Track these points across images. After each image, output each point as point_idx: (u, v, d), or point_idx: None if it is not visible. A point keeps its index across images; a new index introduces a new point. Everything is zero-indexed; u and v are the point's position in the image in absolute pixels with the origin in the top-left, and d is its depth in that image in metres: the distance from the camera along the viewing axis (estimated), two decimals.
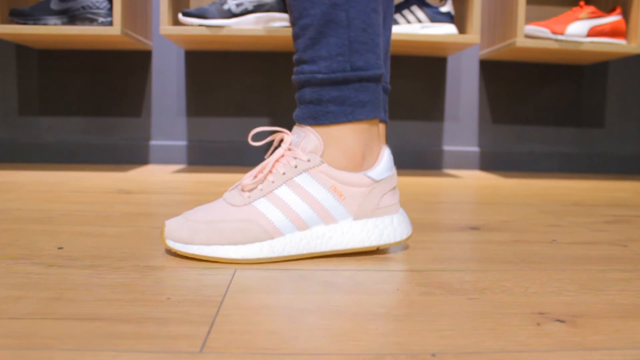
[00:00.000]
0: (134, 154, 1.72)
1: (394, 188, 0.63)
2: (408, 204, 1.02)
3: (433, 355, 0.37)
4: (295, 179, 0.59)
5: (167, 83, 1.72)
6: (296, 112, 0.62)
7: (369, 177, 0.60)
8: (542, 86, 1.79)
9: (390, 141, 1.76)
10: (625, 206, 1.06)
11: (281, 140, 0.65)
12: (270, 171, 0.60)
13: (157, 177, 1.38)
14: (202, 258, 0.58)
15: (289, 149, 0.60)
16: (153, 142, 1.72)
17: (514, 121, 1.79)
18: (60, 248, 0.62)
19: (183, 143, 1.72)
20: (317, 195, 0.59)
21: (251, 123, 1.73)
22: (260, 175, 0.59)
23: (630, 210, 1.01)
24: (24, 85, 1.70)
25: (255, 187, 0.59)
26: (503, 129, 1.79)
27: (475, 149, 1.78)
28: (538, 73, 1.79)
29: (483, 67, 1.77)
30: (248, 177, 0.60)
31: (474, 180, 1.46)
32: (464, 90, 1.77)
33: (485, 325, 0.42)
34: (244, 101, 1.73)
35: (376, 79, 0.61)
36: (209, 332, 0.40)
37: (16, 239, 0.66)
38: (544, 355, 0.37)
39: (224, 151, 1.73)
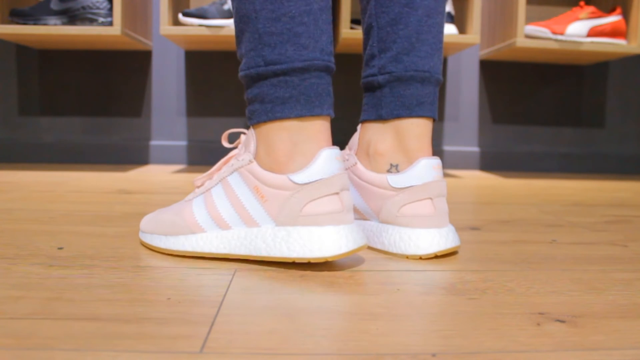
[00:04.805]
0: (134, 154, 1.72)
1: (336, 194, 0.55)
2: None
3: (433, 355, 0.37)
4: (228, 177, 0.59)
5: (167, 83, 1.72)
6: None
7: (290, 180, 0.55)
8: (542, 86, 1.79)
9: None
10: (625, 206, 1.06)
11: None
12: (219, 169, 0.61)
13: (157, 177, 1.38)
14: (145, 245, 0.63)
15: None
16: (153, 142, 1.72)
17: (514, 121, 1.79)
18: (60, 248, 0.62)
19: (183, 143, 1.72)
20: (241, 196, 0.57)
21: None
22: (209, 173, 0.61)
23: (630, 210, 1.01)
24: (24, 85, 1.70)
25: (203, 185, 0.61)
26: (503, 129, 1.79)
27: (475, 149, 1.78)
28: (538, 73, 1.79)
29: (483, 67, 1.77)
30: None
31: (474, 180, 1.46)
32: (464, 90, 1.77)
33: (486, 325, 0.42)
34: (244, 101, 1.73)
35: (302, 71, 0.55)
36: (209, 332, 0.40)
37: (16, 239, 0.66)
38: (544, 355, 0.37)
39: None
